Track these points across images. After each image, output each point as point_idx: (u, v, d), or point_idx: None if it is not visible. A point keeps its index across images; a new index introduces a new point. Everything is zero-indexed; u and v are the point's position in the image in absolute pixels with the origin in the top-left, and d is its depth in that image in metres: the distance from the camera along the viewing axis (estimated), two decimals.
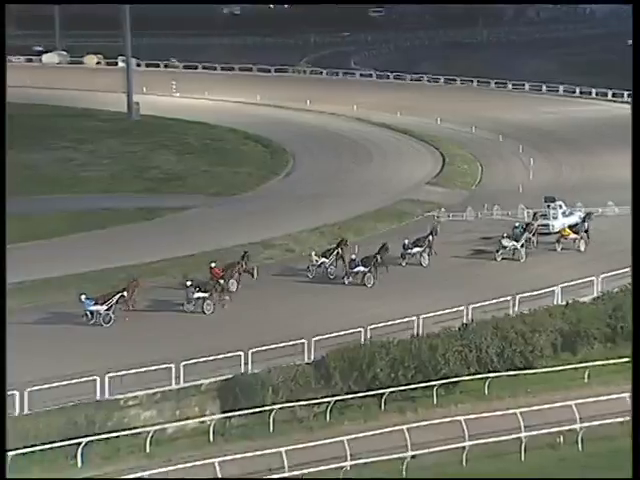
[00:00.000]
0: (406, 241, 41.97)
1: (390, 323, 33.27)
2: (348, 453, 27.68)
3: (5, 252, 33.07)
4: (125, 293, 35.53)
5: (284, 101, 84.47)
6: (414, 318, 33.70)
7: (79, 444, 27.55)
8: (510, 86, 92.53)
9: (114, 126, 75.08)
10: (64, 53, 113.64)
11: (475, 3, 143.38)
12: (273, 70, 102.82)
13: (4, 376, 27.09)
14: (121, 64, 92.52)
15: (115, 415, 28.89)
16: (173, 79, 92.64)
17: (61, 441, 27.45)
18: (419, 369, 31.62)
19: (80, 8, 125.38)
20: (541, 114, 79.89)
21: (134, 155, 65.72)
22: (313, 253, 40.54)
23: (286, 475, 27.14)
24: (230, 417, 29.85)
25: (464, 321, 34.09)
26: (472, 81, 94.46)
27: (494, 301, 35.43)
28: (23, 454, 26.78)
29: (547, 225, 45.70)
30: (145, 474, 26.77)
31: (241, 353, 30.76)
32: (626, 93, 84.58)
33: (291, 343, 31.49)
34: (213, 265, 38.17)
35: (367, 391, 30.99)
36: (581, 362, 33.50)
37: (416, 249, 41.74)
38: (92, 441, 27.81)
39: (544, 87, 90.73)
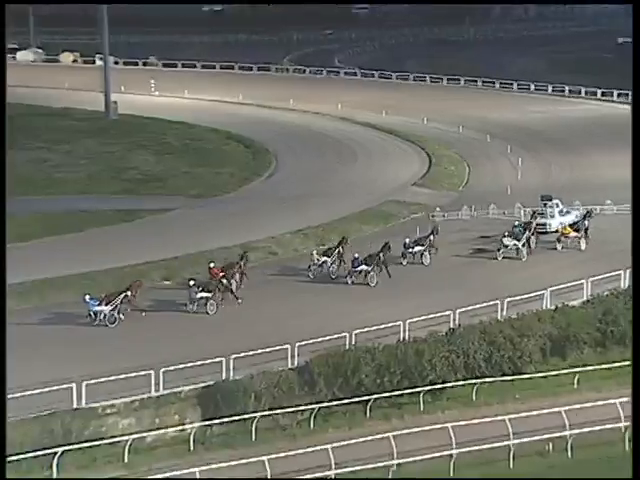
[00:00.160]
0: (407, 240, 42.35)
1: (374, 328, 33.26)
2: (333, 462, 27.66)
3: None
4: (129, 293, 35.83)
5: (266, 100, 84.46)
6: (399, 323, 33.71)
7: (55, 454, 27.40)
8: (498, 85, 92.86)
9: (91, 126, 74.88)
10: (39, 51, 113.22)
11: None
12: (255, 68, 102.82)
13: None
14: (98, 62, 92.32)
15: (92, 423, 28.76)
16: (152, 77, 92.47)
17: (35, 451, 27.27)
18: (405, 375, 31.63)
19: (56, 5, 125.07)
20: (529, 113, 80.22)
21: (112, 155, 65.53)
22: (314, 252, 40.83)
23: None
24: (211, 425, 29.76)
25: (451, 325, 34.11)
26: (459, 80, 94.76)
27: (484, 304, 35.44)
28: None
29: (544, 224, 45.96)
30: None
31: (223, 359, 30.72)
32: (616, 92, 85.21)
33: (276, 348, 31.43)
34: (212, 265, 38.58)
35: (352, 398, 30.97)
36: (571, 367, 33.59)
37: (418, 248, 42.16)
38: (68, 450, 27.64)
39: (532, 86, 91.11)
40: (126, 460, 28.27)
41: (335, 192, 55.35)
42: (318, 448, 28.02)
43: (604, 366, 33.55)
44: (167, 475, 26.91)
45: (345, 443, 28.35)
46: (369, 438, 28.68)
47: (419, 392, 31.51)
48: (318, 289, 39.37)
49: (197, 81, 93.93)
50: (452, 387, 31.99)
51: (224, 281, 37.29)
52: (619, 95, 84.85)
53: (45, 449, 27.36)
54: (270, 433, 30.01)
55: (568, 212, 47.35)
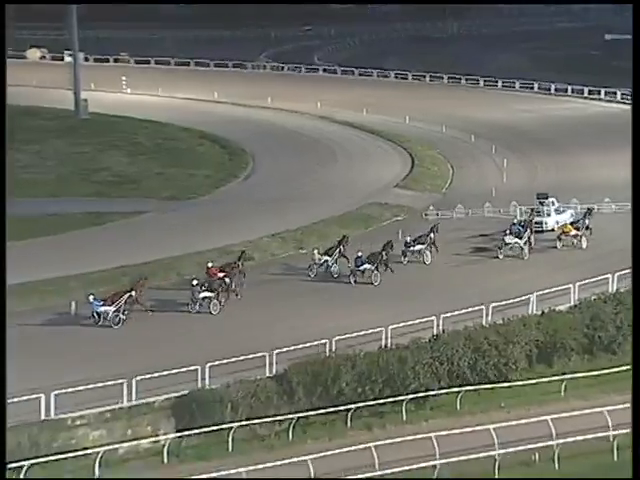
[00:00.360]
0: (408, 238, 42.92)
1: (355, 335, 33.36)
2: (312, 473, 27.67)
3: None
4: (134, 293, 36.10)
5: (243, 98, 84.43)
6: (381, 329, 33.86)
7: (21, 467, 27.26)
8: (482, 83, 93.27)
9: (60, 125, 74.63)
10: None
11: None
12: (231, 65, 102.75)
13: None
14: (67, 58, 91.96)
15: (61, 435, 28.65)
16: (123, 74, 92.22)
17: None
18: (387, 383, 31.72)
19: None
20: (515, 112, 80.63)
21: (82, 156, 65.33)
22: (316, 251, 41.48)
23: None
24: (186, 436, 29.73)
25: (434, 332, 34.27)
26: (442, 77, 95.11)
27: (469, 310, 35.67)
28: None
29: (540, 222, 46.30)
30: None
31: (199, 367, 30.72)
32: (603, 91, 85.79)
33: (251, 356, 31.46)
34: (210, 265, 39.28)
35: (332, 407, 31.01)
36: (557, 375, 33.78)
37: (418, 246, 42.67)
38: (36, 464, 27.53)
39: (518, 84, 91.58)
40: (97, 473, 28.17)
41: (314, 194, 55.44)
42: (297, 460, 28.03)
43: (592, 373, 33.76)
44: None
45: (325, 454, 28.37)
46: (350, 449, 28.71)
47: (402, 401, 31.58)
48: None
49: (170, 78, 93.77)
50: (436, 395, 32.10)
51: (227, 280, 38.01)
52: (606, 94, 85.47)
53: (11, 462, 27.18)
54: (247, 444, 29.98)
55: (564, 210, 47.78)
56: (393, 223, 50.01)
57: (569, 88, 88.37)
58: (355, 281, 40.22)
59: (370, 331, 33.56)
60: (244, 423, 30.01)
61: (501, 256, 43.32)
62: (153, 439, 29.63)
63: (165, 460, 29.16)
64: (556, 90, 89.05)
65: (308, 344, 32.44)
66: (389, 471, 28.22)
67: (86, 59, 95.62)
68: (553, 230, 46.60)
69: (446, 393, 32.22)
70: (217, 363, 30.91)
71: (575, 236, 44.76)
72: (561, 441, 29.65)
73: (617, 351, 35.36)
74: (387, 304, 37.73)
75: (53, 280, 39.48)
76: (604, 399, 32.04)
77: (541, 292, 37.20)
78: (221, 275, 38.62)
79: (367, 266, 40.22)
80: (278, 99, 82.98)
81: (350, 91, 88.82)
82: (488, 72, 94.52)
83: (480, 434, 29.54)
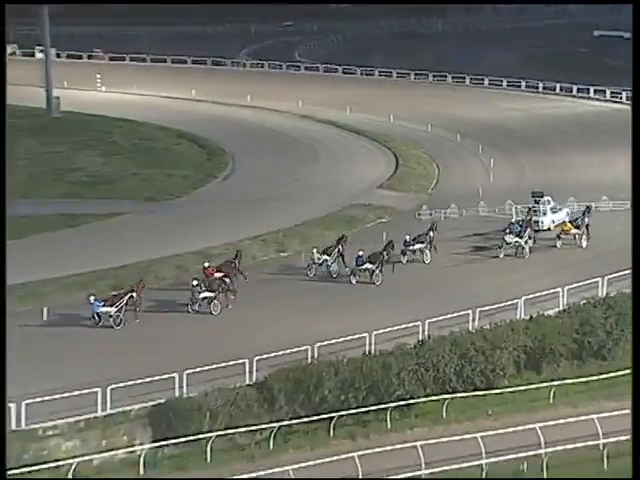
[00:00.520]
0: (407, 237, 43.23)
1: (339, 340, 33.34)
2: None
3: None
4: (134, 294, 36.41)
5: (222, 96, 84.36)
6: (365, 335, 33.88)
7: None
8: (468, 80, 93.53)
9: (31, 123, 74.27)
10: None
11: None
12: (210, 62, 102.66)
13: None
14: (39, 55, 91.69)
15: (32, 446, 28.47)
16: (98, 72, 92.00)
17: None
18: (371, 390, 31.70)
19: None
20: (502, 111, 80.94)
21: (54, 156, 65.07)
22: (314, 250, 41.71)
23: None
24: (163, 446, 29.62)
25: (419, 337, 34.30)
26: (427, 75, 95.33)
27: (455, 315, 35.72)
28: None
29: (536, 222, 46.50)
30: None
31: (176, 375, 30.62)
32: (592, 89, 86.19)
33: (231, 363, 31.41)
34: (206, 265, 39.66)
35: (314, 415, 30.97)
36: (546, 381, 33.85)
37: (418, 245, 43.05)
38: (6, 477, 27.35)
39: (505, 82, 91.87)
40: None
41: (296, 195, 55.44)
42: (278, 470, 28.00)
43: (581, 380, 33.87)
44: None
45: (307, 464, 28.33)
46: (333, 458, 28.69)
47: (386, 409, 31.57)
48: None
49: (147, 76, 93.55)
50: (421, 403, 32.10)
51: (227, 280, 38.34)
52: (595, 92, 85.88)
53: None
54: (226, 454, 29.90)
55: (560, 209, 47.97)
56: (377, 225, 50.07)
57: (557, 86, 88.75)
58: (356, 281, 40.44)
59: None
60: (223, 432, 29.92)
61: (501, 255, 43.67)
62: (129, 449, 29.50)
63: (142, 471, 29.05)
64: (544, 88, 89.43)
65: (295, 349, 32.37)
66: None
67: (58, 55, 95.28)
68: (549, 229, 46.83)
69: (432, 400, 32.23)
70: (198, 370, 30.82)
71: (575, 235, 44.99)
72: (550, 449, 29.73)
73: (607, 357, 35.49)
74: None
75: (25, 285, 39.24)
76: (594, 406, 32.15)
77: (532, 295, 37.36)
78: (218, 275, 38.93)
79: (368, 266, 40.45)
80: (258, 97, 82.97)
81: (333, 89, 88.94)
82: (474, 70, 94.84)
83: (467, 442, 29.57)
